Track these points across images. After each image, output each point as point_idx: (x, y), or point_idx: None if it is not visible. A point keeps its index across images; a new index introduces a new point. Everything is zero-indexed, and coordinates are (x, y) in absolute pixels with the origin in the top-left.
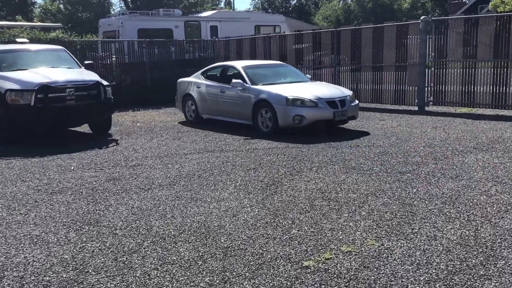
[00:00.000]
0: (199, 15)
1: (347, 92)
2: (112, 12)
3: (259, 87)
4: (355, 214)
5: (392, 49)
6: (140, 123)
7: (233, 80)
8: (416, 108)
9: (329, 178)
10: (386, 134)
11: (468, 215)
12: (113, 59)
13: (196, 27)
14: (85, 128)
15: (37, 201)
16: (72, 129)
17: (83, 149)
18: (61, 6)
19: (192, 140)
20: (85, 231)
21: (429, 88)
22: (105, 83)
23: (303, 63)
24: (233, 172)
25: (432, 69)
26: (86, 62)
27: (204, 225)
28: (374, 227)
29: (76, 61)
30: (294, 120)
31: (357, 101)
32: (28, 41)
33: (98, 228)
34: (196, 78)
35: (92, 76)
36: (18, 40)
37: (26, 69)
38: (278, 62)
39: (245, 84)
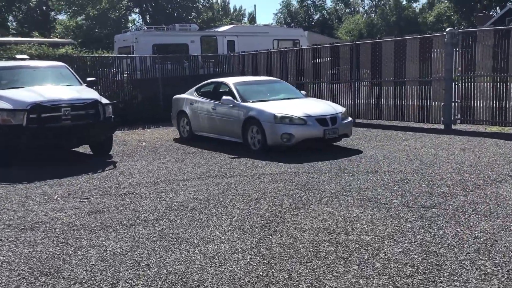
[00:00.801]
0: (216, 29)
1: (340, 109)
2: (131, 28)
3: (249, 104)
4: (367, 266)
5: (415, 63)
6: (145, 143)
7: (223, 97)
8: (442, 127)
9: (340, 213)
10: (408, 157)
11: (508, 271)
12: (124, 75)
13: (212, 42)
14: (86, 149)
15: (1, 240)
16: (74, 149)
17: (76, 173)
18: (80, 22)
19: (196, 163)
20: (38, 285)
21: (455, 104)
22: (104, 101)
23: (321, 78)
24: (232, 203)
25: (459, 84)
26: (88, 79)
27: (181, 279)
28: (390, 287)
29: (77, 78)
30: (282, 139)
31: (350, 119)
32: (28, 57)
33: (55, 281)
34: (190, 95)
35: (91, 94)
36: (17, 56)
37: (22, 87)
38: (273, 78)
39: (234, 101)
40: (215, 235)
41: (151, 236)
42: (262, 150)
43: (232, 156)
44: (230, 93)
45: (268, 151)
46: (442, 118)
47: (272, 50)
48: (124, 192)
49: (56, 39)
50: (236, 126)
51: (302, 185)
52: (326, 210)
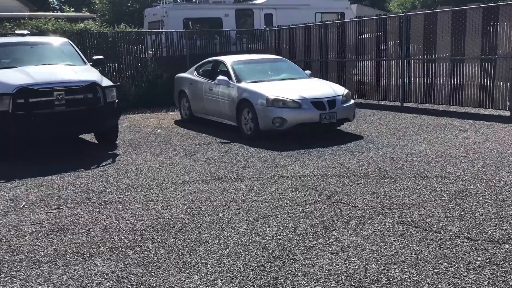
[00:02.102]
0: (253, 2)
1: (340, 91)
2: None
3: (244, 84)
4: None
5: (477, 37)
6: (160, 129)
7: (218, 77)
8: (508, 113)
9: (373, 248)
10: (467, 155)
11: None
12: (149, 52)
13: (248, 16)
14: (93, 137)
15: None
16: (81, 136)
17: (66, 169)
18: None
19: (207, 157)
20: None
21: None
22: (106, 83)
23: (365, 54)
24: (232, 223)
25: None
26: (94, 57)
27: None
28: None
29: (81, 56)
30: (274, 123)
31: (352, 101)
32: (28, 32)
33: None
34: (190, 74)
35: (90, 75)
36: (17, 32)
37: (15, 67)
38: (276, 57)
39: (230, 81)
40: (192, 281)
41: (104, 279)
42: (254, 135)
43: (251, 149)
44: (226, 72)
45: (259, 136)
46: (508, 103)
47: (311, 23)
48: (106, 199)
49: (75, 13)
50: (230, 109)
51: (327, 196)
52: (354, 241)
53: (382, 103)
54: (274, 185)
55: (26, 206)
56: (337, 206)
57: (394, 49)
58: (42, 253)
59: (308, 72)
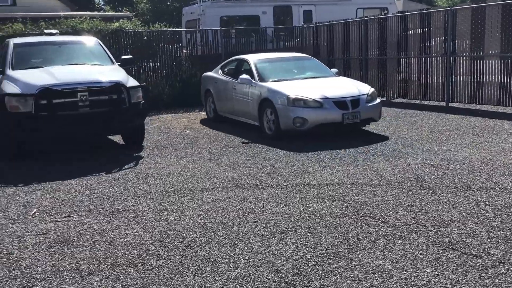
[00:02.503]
0: None
1: (365, 90)
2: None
3: (267, 84)
4: None
5: None
6: (189, 131)
7: (240, 76)
8: None
9: (401, 276)
10: None
11: None
12: (184, 51)
13: (287, 13)
14: (120, 138)
15: None
16: (109, 137)
17: (88, 172)
18: None
19: (232, 162)
20: None
21: None
22: (131, 84)
23: (407, 51)
24: (246, 239)
25: None
26: (123, 57)
27: None
28: None
29: (109, 56)
30: (295, 123)
31: (378, 100)
32: (57, 32)
33: None
34: (215, 73)
35: (115, 76)
36: (46, 31)
37: (41, 67)
38: (302, 55)
39: (252, 80)
40: None
41: None
42: (276, 135)
43: (279, 153)
44: (249, 71)
45: (281, 136)
46: None
47: (350, 19)
48: (119, 207)
49: (110, 13)
50: (253, 108)
51: (355, 209)
52: (380, 266)
53: (425, 103)
54: (298, 195)
55: (37, 214)
56: (364, 221)
57: (439, 45)
58: (40, 269)
59: (334, 70)
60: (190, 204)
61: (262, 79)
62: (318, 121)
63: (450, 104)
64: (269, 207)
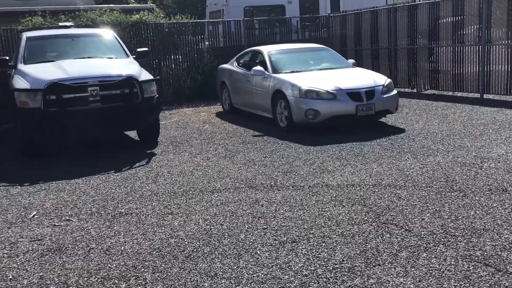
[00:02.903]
0: None
1: (381, 81)
2: None
3: (280, 75)
4: None
5: None
6: (207, 125)
7: (254, 68)
8: None
9: None
10: None
11: None
12: (206, 43)
13: (313, 2)
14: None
15: None
16: (125, 132)
17: (97, 170)
18: None
19: (248, 159)
20: None
21: None
22: (145, 77)
23: (439, 40)
24: (252, 249)
25: None
26: (139, 49)
27: None
28: None
29: (124, 49)
30: (307, 115)
31: (395, 92)
32: (72, 24)
33: None
34: (230, 65)
35: (127, 69)
36: (60, 24)
37: (52, 61)
38: (318, 45)
39: (265, 72)
40: None
41: None
42: (289, 128)
43: (299, 149)
44: (263, 63)
45: (293, 129)
46: None
47: (378, 7)
48: (122, 210)
49: (130, 5)
50: (266, 100)
51: (376, 214)
52: (401, 285)
53: (458, 95)
54: (314, 197)
55: (36, 217)
56: (386, 229)
57: (473, 33)
58: (26, 282)
59: (351, 61)
60: (198, 207)
61: (275, 70)
62: (331, 113)
63: (485, 96)
64: (282, 211)
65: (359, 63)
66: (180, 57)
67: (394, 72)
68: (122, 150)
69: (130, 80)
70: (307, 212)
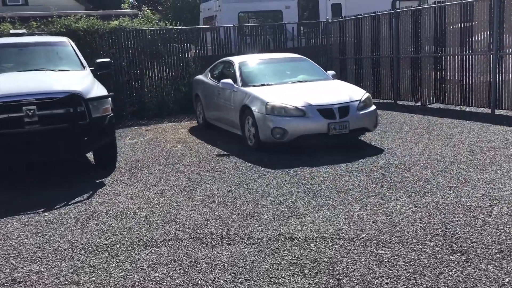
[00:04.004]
0: None
1: (357, 95)
2: None
3: (249, 88)
4: None
5: None
6: (181, 146)
7: (222, 80)
8: None
9: None
10: None
11: None
12: (192, 52)
13: (313, 7)
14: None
15: None
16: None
17: (22, 208)
18: None
19: (208, 195)
20: None
21: None
22: (95, 94)
23: (445, 48)
24: None
25: None
26: (98, 60)
27: None
28: None
29: (80, 59)
30: (273, 134)
31: (373, 107)
32: (25, 32)
33: None
34: (204, 76)
35: (75, 85)
36: (11, 31)
37: None
38: (296, 55)
39: (234, 84)
40: None
41: None
42: (257, 147)
43: (272, 180)
44: (234, 75)
45: (261, 148)
46: None
47: (379, 12)
48: (18, 276)
49: (108, 10)
50: (235, 116)
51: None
52: None
53: (467, 109)
54: (271, 258)
55: None
56: None
57: (483, 40)
58: None
59: (331, 72)
60: (116, 272)
61: (245, 83)
62: (300, 131)
63: (497, 112)
64: (221, 282)
65: (359, 73)
66: (164, 67)
67: (397, 83)
68: (70, 177)
69: (74, 98)
70: (253, 285)
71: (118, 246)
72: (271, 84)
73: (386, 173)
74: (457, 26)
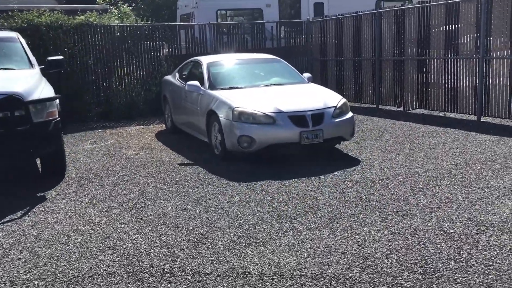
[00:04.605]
0: None
1: (332, 101)
2: None
3: (216, 92)
4: None
5: None
6: (143, 153)
7: (188, 82)
8: None
9: None
10: None
11: None
12: (164, 50)
13: (294, 5)
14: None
15: None
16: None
17: None
18: None
19: (160, 214)
20: None
21: None
22: (40, 95)
23: (429, 51)
24: None
25: None
26: (49, 58)
27: None
28: None
29: (28, 57)
30: (240, 143)
31: (349, 114)
32: None
33: None
34: (172, 77)
35: (16, 86)
36: None
37: None
38: (269, 56)
39: (200, 87)
40: None
41: None
42: (223, 156)
43: (235, 196)
44: (201, 76)
45: (228, 157)
46: None
47: (361, 12)
48: None
49: (75, 5)
50: (201, 121)
51: None
52: None
53: (451, 116)
54: None
55: None
56: None
57: (469, 43)
58: None
59: (307, 75)
60: None
61: (212, 86)
62: (268, 141)
63: (483, 119)
64: None
65: (340, 76)
66: (134, 66)
67: (379, 87)
68: (11, 188)
69: (12, 100)
70: None
71: (35, 283)
72: (241, 88)
73: (361, 189)
74: (442, 28)
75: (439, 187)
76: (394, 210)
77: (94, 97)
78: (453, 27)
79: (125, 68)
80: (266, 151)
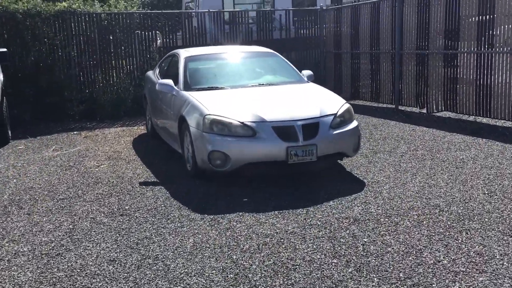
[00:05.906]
0: None
1: (332, 108)
2: None
3: (190, 93)
4: None
5: None
6: (107, 164)
7: (160, 80)
8: None
9: None
10: None
11: None
12: (158, 41)
13: None
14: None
15: None
16: None
17: None
18: None
19: (79, 266)
20: None
21: None
22: None
23: (459, 43)
24: None
25: None
26: None
27: None
28: None
29: None
30: (211, 160)
31: (354, 124)
32: None
33: None
34: (152, 72)
35: None
36: None
37: None
38: (263, 50)
39: (174, 86)
40: None
41: None
42: (195, 172)
43: (198, 233)
44: (177, 72)
45: (201, 174)
46: None
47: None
48: None
49: None
50: (174, 128)
51: None
52: None
53: (484, 121)
54: None
55: None
56: None
57: (504, 35)
58: None
59: (307, 73)
60: None
61: (187, 85)
62: (246, 158)
63: None
64: None
65: (355, 71)
66: (123, 58)
67: (398, 85)
68: None
69: None
70: None
71: None
72: (222, 88)
73: (359, 234)
74: (473, 19)
75: (466, 234)
76: (401, 275)
77: (77, 93)
78: (487, 18)
79: (112, 61)
80: (244, 171)
